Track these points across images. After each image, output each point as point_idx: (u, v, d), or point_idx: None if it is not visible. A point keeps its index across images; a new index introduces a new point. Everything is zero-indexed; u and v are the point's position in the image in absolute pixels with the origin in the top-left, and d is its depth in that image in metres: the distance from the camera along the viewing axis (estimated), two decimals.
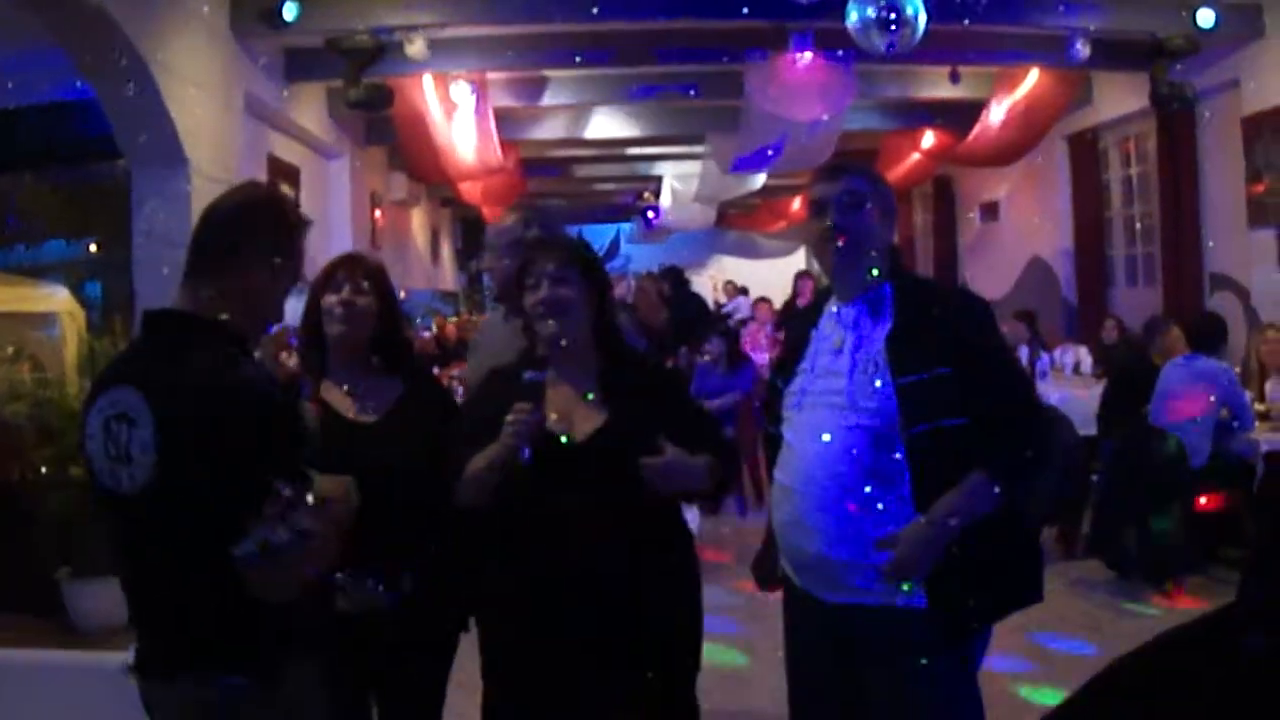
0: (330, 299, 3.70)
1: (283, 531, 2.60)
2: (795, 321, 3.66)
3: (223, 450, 2.64)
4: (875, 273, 3.33)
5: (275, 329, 11.26)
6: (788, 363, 3.48)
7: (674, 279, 15.04)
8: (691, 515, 4.23)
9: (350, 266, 3.78)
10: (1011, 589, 3.26)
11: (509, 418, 3.26)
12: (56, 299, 13.39)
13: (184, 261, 2.89)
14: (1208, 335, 8.00)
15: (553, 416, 3.39)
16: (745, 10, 9.05)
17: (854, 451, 3.15)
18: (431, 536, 3.57)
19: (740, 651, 6.33)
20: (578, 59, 11.24)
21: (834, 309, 3.41)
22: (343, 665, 3.40)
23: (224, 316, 2.82)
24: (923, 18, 7.94)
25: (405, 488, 3.49)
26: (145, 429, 2.68)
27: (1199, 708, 1.30)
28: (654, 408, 3.42)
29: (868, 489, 3.14)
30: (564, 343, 3.47)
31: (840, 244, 3.30)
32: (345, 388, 3.72)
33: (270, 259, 2.91)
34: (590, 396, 3.44)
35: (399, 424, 3.67)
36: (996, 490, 3.13)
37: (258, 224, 2.94)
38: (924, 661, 3.13)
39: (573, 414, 3.42)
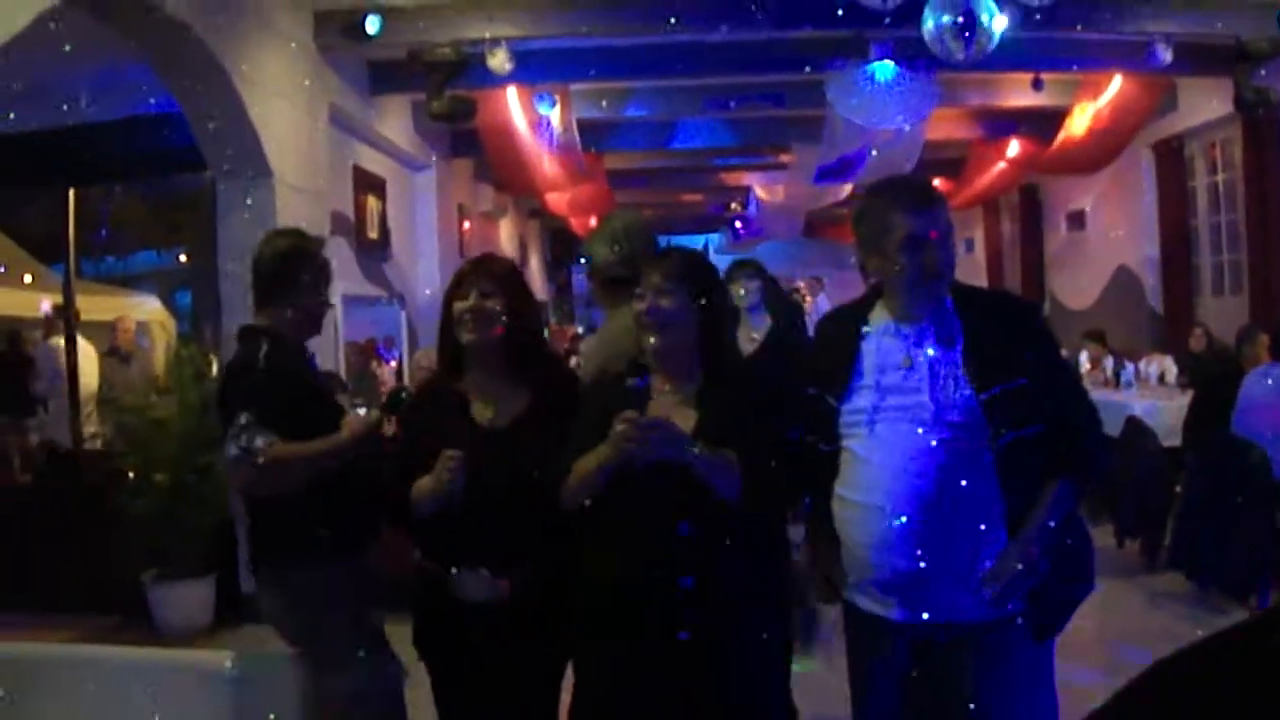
0: (459, 306, 3.76)
1: (233, 447, 3.98)
2: (830, 340, 3.64)
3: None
4: (945, 294, 3.36)
5: (363, 340, 11.43)
6: (837, 380, 3.43)
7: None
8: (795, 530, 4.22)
9: (476, 271, 3.84)
10: (1076, 582, 3.37)
11: (618, 426, 3.27)
12: (147, 308, 13.68)
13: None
14: None
15: None
16: (826, 20, 9.05)
17: (942, 466, 3.18)
18: (552, 539, 3.62)
19: (807, 656, 6.28)
20: (660, 70, 11.31)
21: (889, 325, 3.41)
22: (452, 652, 3.75)
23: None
24: (999, 24, 7.89)
25: (528, 494, 3.55)
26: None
27: (1241, 710, 1.31)
28: (745, 421, 3.43)
29: (958, 502, 3.17)
30: (663, 355, 3.53)
31: (932, 281, 3.33)
32: (478, 393, 3.79)
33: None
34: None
35: (526, 430, 3.70)
36: (1077, 494, 3.29)
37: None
38: (1019, 667, 3.25)
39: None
